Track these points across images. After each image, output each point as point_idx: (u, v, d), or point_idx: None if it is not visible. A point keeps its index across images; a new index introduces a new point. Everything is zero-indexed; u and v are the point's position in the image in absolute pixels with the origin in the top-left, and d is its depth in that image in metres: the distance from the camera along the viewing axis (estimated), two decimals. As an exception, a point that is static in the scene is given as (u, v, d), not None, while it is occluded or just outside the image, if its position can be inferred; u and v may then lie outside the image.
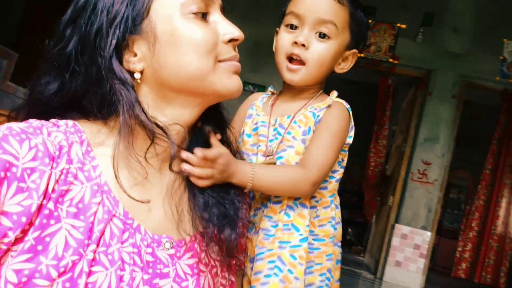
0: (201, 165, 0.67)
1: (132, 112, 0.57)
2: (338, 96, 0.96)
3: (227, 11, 0.69)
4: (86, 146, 0.57)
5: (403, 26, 4.36)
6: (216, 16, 0.64)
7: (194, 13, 0.60)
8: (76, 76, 0.58)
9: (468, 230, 4.62)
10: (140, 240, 0.58)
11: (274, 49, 0.99)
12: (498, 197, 4.59)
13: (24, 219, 0.47)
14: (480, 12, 4.44)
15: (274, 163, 0.91)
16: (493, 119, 4.69)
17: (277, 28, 1.00)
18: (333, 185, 0.95)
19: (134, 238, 0.57)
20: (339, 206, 0.96)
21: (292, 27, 0.95)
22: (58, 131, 0.55)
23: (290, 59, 0.94)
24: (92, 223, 0.53)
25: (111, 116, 0.60)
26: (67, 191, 0.52)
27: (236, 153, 0.77)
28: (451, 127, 4.39)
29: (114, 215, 0.56)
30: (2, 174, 0.47)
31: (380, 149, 4.89)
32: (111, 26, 0.57)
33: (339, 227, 0.94)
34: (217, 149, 0.71)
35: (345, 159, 0.97)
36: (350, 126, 0.96)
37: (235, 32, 0.65)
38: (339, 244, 0.95)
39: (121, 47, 0.59)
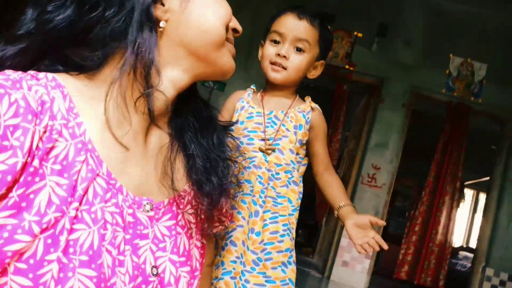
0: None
1: (146, 55, 0.57)
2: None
3: None
4: (68, 102, 0.55)
5: (360, 34, 4.54)
6: None
7: None
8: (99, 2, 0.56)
9: (411, 234, 4.85)
10: (122, 200, 0.58)
11: (259, 58, 1.31)
12: (440, 203, 4.85)
13: (9, 178, 0.46)
14: (429, 27, 4.70)
15: (274, 150, 1.24)
16: (438, 130, 4.96)
17: (262, 41, 1.33)
18: (303, 170, 1.32)
19: (117, 198, 0.57)
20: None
21: (276, 42, 1.27)
22: (38, 85, 0.53)
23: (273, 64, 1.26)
24: (76, 181, 0.52)
25: (102, 67, 0.59)
26: (51, 148, 0.51)
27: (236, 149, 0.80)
28: (400, 134, 4.60)
29: (98, 175, 0.55)
30: None
31: (333, 153, 5.03)
32: None
33: (300, 198, 1.29)
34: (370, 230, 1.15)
35: None
36: None
37: (239, 25, 0.70)
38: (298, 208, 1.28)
39: None
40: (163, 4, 0.61)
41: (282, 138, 1.25)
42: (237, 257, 1.17)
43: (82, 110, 0.57)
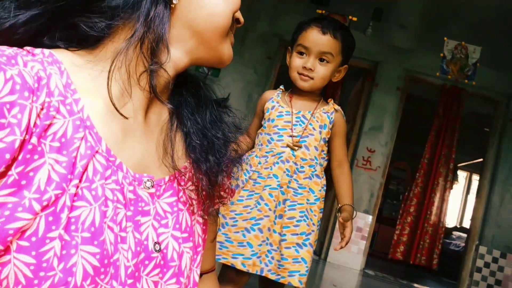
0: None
1: (157, 29, 0.57)
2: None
3: None
4: (66, 78, 0.54)
5: (354, 18, 4.54)
6: None
7: None
8: None
9: (406, 215, 4.93)
10: (122, 177, 0.57)
11: (288, 64, 1.49)
12: (434, 185, 4.93)
13: (8, 156, 0.45)
14: (424, 11, 4.72)
15: (300, 146, 1.43)
16: (431, 114, 5.01)
17: (289, 48, 1.51)
18: (325, 164, 1.51)
19: (117, 175, 0.56)
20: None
21: (302, 54, 1.45)
22: (34, 61, 0.51)
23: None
24: (75, 158, 0.51)
25: (105, 41, 0.58)
26: (49, 125, 0.50)
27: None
28: (395, 118, 4.65)
29: (97, 152, 0.54)
30: None
31: (328, 137, 5.07)
32: None
33: (324, 190, 1.49)
34: (347, 229, 1.42)
35: None
36: None
37: (241, 17, 0.69)
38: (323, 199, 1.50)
39: None
40: None
41: (309, 136, 1.44)
42: (263, 241, 1.39)
43: (80, 86, 0.55)
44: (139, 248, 0.58)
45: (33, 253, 0.47)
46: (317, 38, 1.42)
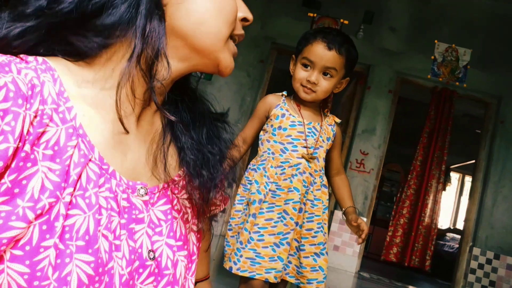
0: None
1: (155, 44, 0.56)
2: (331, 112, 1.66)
3: None
4: (59, 86, 0.54)
5: (346, 22, 4.57)
6: None
7: None
8: None
9: (398, 216, 4.94)
10: (116, 185, 0.57)
11: (291, 72, 1.53)
12: (427, 186, 4.94)
13: (1, 164, 0.44)
14: (414, 14, 4.76)
15: (314, 158, 1.48)
16: (423, 116, 5.03)
17: (293, 56, 1.54)
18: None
19: (110, 183, 0.56)
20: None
21: (306, 66, 1.48)
22: (27, 68, 0.51)
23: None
24: (69, 166, 0.51)
25: (101, 52, 0.58)
26: (43, 133, 0.50)
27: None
28: (387, 120, 4.67)
29: (90, 160, 0.54)
30: None
31: (322, 140, 5.08)
32: None
33: (329, 200, 1.54)
34: (362, 223, 1.48)
35: None
36: None
37: (249, 13, 0.66)
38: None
39: None
40: None
41: (319, 148, 1.51)
42: (291, 255, 1.47)
43: (73, 94, 0.55)
44: (133, 256, 0.57)
45: (27, 262, 0.46)
46: (322, 53, 1.44)
